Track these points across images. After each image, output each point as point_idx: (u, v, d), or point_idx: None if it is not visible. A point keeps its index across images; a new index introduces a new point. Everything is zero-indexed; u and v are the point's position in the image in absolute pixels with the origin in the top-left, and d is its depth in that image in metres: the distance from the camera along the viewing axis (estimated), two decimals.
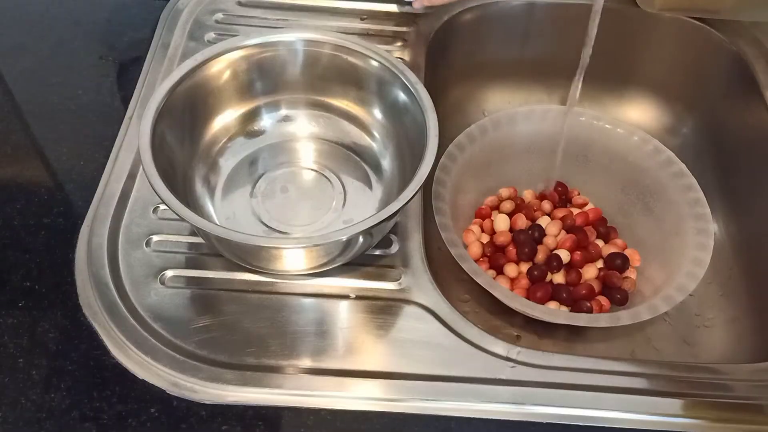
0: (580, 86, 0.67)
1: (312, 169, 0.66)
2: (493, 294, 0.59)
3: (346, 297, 0.57)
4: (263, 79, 0.64)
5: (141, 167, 0.59)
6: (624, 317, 0.58)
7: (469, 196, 0.72)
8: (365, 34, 0.77)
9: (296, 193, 0.64)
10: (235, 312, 0.55)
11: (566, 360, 0.53)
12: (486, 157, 0.71)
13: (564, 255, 0.67)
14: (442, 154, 0.67)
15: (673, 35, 0.81)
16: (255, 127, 0.66)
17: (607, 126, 0.72)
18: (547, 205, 0.73)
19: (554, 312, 0.60)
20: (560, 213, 0.72)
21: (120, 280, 0.56)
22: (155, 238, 0.58)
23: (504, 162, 0.74)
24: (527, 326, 0.65)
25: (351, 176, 0.65)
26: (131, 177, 0.62)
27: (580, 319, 0.59)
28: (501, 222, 0.70)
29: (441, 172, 0.65)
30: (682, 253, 0.63)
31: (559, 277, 0.67)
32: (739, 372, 0.54)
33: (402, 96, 0.60)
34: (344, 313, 0.56)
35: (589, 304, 0.64)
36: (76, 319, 0.53)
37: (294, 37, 0.62)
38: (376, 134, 0.65)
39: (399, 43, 0.76)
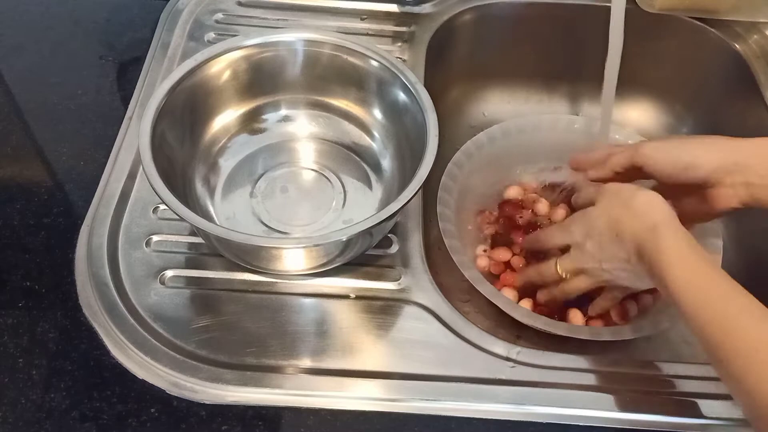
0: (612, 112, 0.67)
1: (312, 169, 0.66)
2: (496, 304, 0.59)
3: (345, 297, 0.56)
4: (263, 79, 0.64)
5: (141, 167, 0.59)
6: (626, 332, 0.59)
7: (473, 202, 0.72)
8: (365, 34, 0.77)
9: (296, 193, 0.64)
10: (235, 312, 0.55)
11: (566, 360, 0.53)
12: (492, 164, 0.72)
13: None
14: (442, 154, 0.67)
15: (673, 35, 0.81)
16: (255, 127, 0.66)
17: None
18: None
19: (555, 324, 0.60)
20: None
21: (120, 280, 0.56)
22: (155, 238, 0.58)
23: (509, 170, 0.74)
24: (527, 326, 0.65)
25: (351, 176, 0.65)
26: (131, 177, 0.62)
27: (582, 332, 0.59)
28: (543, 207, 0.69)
29: (447, 178, 0.65)
30: None
31: None
32: None
33: (402, 96, 0.60)
34: (344, 313, 0.56)
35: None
36: (76, 319, 0.53)
37: (294, 37, 0.62)
38: (376, 134, 0.65)
39: (399, 43, 0.76)
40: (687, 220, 0.51)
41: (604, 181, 0.58)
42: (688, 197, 0.54)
